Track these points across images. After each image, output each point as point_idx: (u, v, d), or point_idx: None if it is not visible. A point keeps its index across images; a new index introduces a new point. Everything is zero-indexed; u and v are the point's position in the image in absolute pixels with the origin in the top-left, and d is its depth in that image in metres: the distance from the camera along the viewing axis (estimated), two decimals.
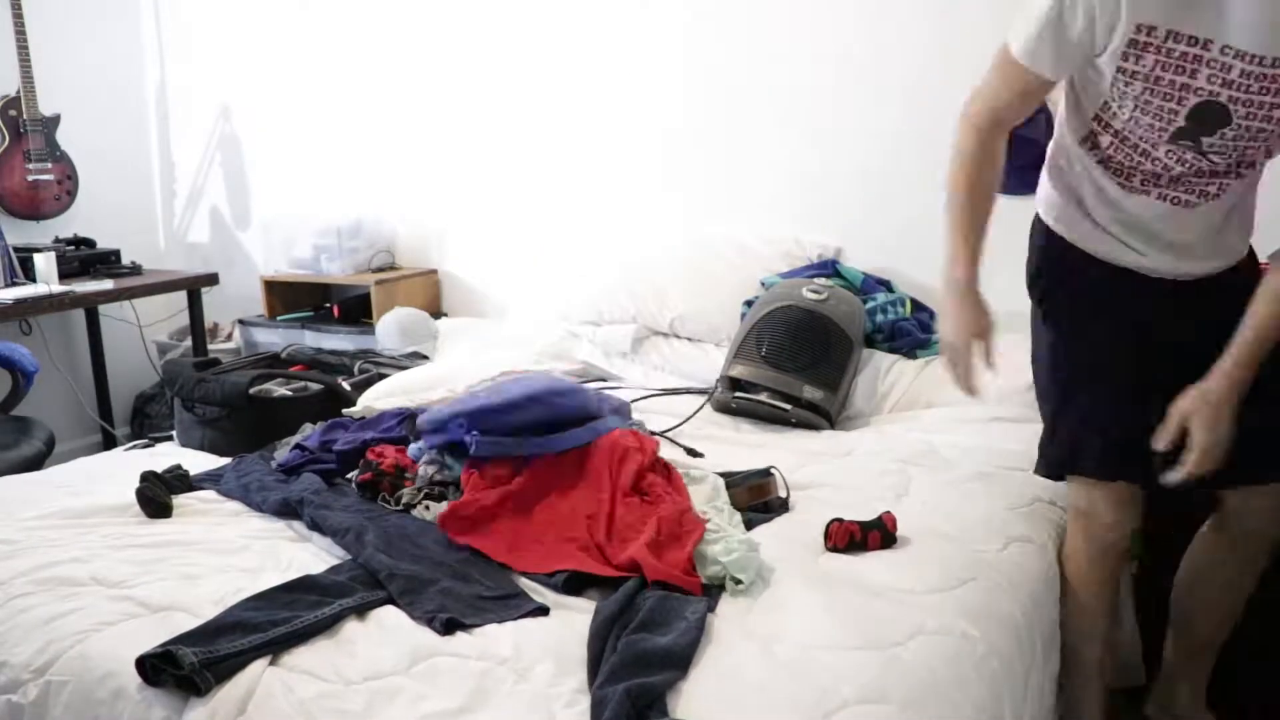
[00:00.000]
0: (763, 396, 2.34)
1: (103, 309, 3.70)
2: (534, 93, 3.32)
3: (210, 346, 3.66)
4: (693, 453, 2.13)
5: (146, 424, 3.89)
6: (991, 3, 2.63)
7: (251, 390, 2.34)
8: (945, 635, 1.40)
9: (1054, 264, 1.67)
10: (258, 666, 1.29)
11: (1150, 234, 1.54)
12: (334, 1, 3.62)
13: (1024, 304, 2.57)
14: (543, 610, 1.45)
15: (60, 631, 1.41)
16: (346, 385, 2.48)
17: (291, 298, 3.65)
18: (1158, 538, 2.18)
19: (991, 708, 1.33)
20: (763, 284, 2.73)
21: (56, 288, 3.20)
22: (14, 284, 3.22)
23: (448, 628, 1.38)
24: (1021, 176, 2.63)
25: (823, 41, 2.86)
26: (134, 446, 2.36)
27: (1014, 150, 2.56)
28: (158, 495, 1.86)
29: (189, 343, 3.68)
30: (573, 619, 1.43)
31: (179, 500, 1.90)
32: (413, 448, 1.95)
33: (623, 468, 1.79)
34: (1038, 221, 1.72)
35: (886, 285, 2.73)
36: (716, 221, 3.01)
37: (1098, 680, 1.78)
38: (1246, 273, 1.58)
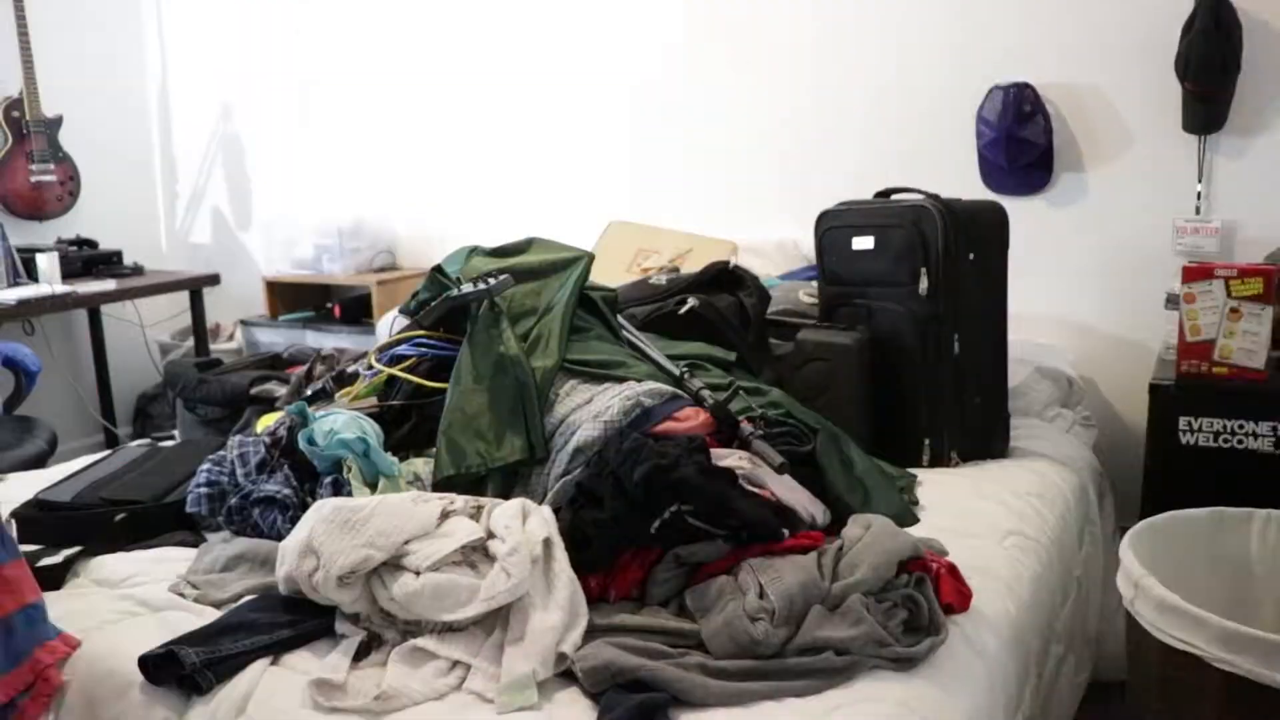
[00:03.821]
0: None
1: (105, 309, 3.71)
2: (534, 94, 3.32)
3: (212, 346, 3.67)
4: None
5: (148, 424, 3.90)
6: (996, 6, 2.65)
7: (253, 390, 2.34)
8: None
9: None
10: (258, 666, 1.30)
11: None
12: (334, 2, 3.63)
13: (1036, 307, 2.60)
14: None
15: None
16: None
17: (293, 298, 3.66)
18: None
19: (986, 708, 1.34)
20: None
21: (59, 288, 3.22)
22: (17, 284, 3.23)
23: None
24: (1022, 177, 2.65)
25: (822, 45, 2.87)
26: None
27: (1015, 151, 2.60)
28: None
29: (191, 343, 3.69)
30: None
31: None
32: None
33: None
34: None
35: None
36: (716, 223, 3.02)
37: None
38: None
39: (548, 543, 1.40)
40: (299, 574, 1.35)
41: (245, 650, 1.31)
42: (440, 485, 1.66)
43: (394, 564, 1.36)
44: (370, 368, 1.87)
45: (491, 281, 1.83)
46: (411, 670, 1.28)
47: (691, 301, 2.09)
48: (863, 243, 2.11)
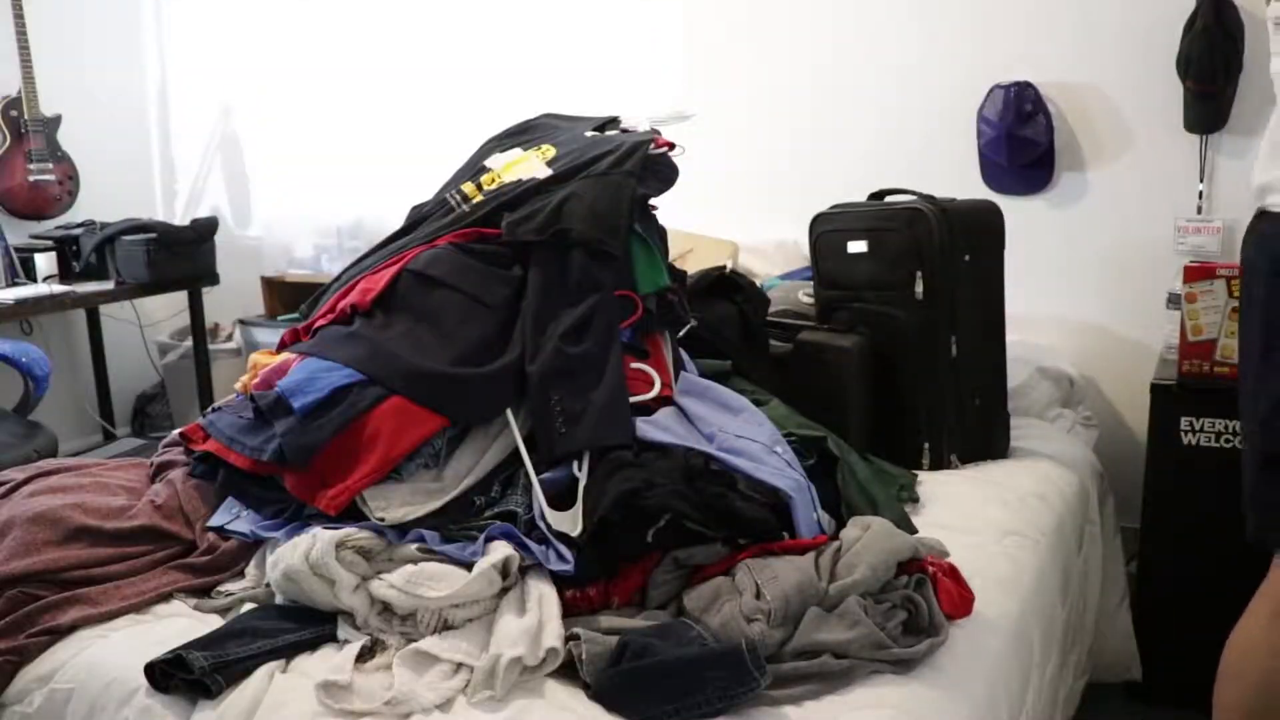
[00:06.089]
0: None
1: (104, 309, 3.71)
2: (534, 92, 3.32)
3: (211, 346, 3.67)
4: None
5: (147, 424, 3.90)
6: (997, 5, 2.64)
7: None
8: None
9: None
10: (265, 671, 1.29)
11: None
12: (334, 2, 3.62)
13: (1036, 307, 2.60)
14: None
15: (65, 638, 1.41)
16: None
17: (292, 297, 3.65)
18: (1155, 537, 2.19)
19: (988, 710, 1.34)
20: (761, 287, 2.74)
21: (57, 288, 3.21)
22: (15, 284, 3.23)
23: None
24: (1023, 176, 2.65)
25: (823, 44, 2.86)
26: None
27: (1015, 150, 2.60)
28: None
29: (190, 342, 3.69)
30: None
31: None
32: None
33: None
34: None
35: None
36: (716, 223, 3.01)
37: None
38: None
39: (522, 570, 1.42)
40: (295, 559, 1.35)
41: (253, 654, 1.30)
42: None
43: (389, 557, 1.40)
44: None
45: None
46: (417, 675, 1.28)
47: (690, 323, 2.09)
48: (857, 246, 2.10)
